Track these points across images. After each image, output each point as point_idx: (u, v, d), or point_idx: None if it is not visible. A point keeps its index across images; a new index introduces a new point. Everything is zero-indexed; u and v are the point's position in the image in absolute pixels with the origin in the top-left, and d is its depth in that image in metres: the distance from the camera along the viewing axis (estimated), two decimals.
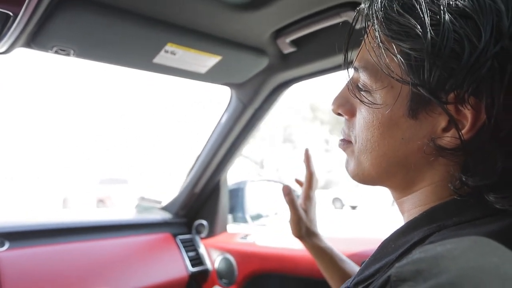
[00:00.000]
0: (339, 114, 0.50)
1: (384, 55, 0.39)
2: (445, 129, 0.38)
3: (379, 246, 0.44)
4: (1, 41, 0.74)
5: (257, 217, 1.46)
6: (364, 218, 9.07)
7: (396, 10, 0.37)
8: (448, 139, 0.38)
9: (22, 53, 0.81)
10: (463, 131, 0.36)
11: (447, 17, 0.34)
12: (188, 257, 1.31)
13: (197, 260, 1.33)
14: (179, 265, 1.26)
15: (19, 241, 1.01)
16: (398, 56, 0.37)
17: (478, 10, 0.33)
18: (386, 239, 0.44)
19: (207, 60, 0.96)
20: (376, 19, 0.39)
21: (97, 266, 1.08)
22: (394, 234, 0.43)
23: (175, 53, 0.90)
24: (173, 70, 0.98)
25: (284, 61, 1.05)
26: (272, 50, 1.00)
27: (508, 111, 0.33)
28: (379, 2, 0.39)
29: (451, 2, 0.34)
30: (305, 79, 1.11)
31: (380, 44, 0.39)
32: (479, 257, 0.29)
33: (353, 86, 0.45)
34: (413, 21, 0.35)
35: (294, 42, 0.97)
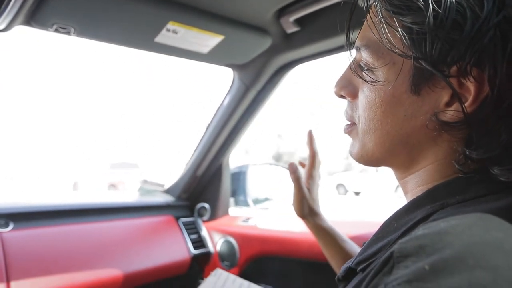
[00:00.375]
0: (341, 97, 0.50)
1: (386, 30, 0.39)
2: (448, 104, 0.38)
3: (381, 225, 0.44)
4: (0, 17, 0.72)
5: (261, 200, 1.45)
6: (367, 204, 9.15)
7: None
8: (451, 113, 0.37)
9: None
10: (466, 104, 0.36)
11: None
12: (191, 239, 1.31)
13: (199, 242, 1.33)
14: (182, 248, 1.27)
15: (23, 222, 1.01)
16: (400, 30, 0.37)
17: None
18: (388, 218, 0.43)
19: (209, 40, 0.94)
20: None
21: (100, 248, 1.08)
22: (397, 213, 0.42)
23: (177, 32, 0.88)
24: (175, 50, 0.96)
25: (288, 41, 1.02)
26: (275, 30, 0.97)
27: (511, 81, 0.33)
28: None
29: None
30: (309, 60, 1.08)
31: (382, 19, 0.39)
32: (483, 232, 0.29)
33: (356, 65, 0.45)
34: None
35: (297, 21, 0.94)
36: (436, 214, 0.37)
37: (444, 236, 0.29)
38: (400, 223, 0.40)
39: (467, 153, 0.37)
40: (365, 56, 0.43)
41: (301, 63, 1.11)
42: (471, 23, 0.33)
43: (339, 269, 0.74)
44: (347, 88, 0.48)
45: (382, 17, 0.39)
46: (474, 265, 0.25)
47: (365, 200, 10.57)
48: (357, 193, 12.98)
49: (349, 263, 0.44)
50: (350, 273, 0.43)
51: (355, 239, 1.00)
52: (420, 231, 0.32)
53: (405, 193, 0.46)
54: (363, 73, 0.44)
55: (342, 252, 0.75)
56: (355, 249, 0.76)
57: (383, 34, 0.39)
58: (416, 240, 0.30)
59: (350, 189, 13.05)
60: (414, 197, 0.42)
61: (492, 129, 0.35)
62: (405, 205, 0.42)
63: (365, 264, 0.40)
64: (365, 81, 0.43)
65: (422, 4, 0.35)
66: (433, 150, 0.41)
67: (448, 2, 0.33)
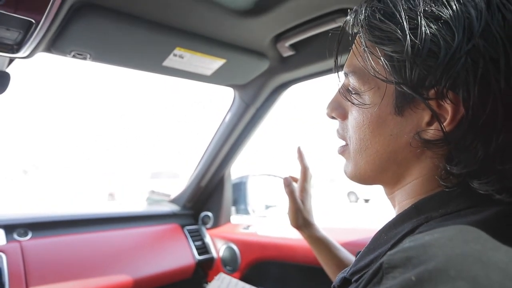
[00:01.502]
0: (332, 118, 0.51)
1: (370, 58, 0.41)
2: (429, 123, 0.39)
3: (372, 238, 0.44)
4: (24, 46, 0.75)
5: (265, 207, 1.46)
6: (375, 211, 9.02)
7: (378, 18, 0.39)
8: (432, 132, 0.38)
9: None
10: (444, 124, 0.37)
11: (423, 21, 0.35)
12: (195, 246, 1.32)
13: (203, 249, 1.34)
14: (187, 254, 1.28)
15: (41, 231, 1.03)
16: (382, 58, 0.39)
17: (451, 14, 0.35)
18: (379, 231, 0.44)
19: (213, 63, 0.97)
20: (362, 27, 0.41)
21: (112, 255, 1.09)
22: (386, 226, 0.43)
23: (183, 57, 0.91)
24: (181, 72, 0.99)
25: (284, 64, 1.06)
26: (273, 54, 1.01)
27: (483, 102, 0.34)
28: (363, 12, 0.41)
29: (426, 9, 0.36)
30: (303, 81, 1.11)
31: (366, 48, 0.41)
32: (463, 244, 0.30)
33: (344, 89, 0.47)
34: (393, 26, 0.37)
35: (293, 46, 0.98)
36: (421, 227, 0.37)
37: (428, 248, 0.30)
38: (389, 236, 0.41)
39: (448, 168, 0.38)
40: (352, 81, 0.45)
41: (296, 83, 1.14)
42: (445, 51, 0.34)
43: (334, 275, 0.76)
44: (337, 110, 0.50)
45: (366, 47, 0.41)
46: (456, 277, 0.26)
47: (373, 207, 10.41)
48: (366, 201, 12.74)
49: (344, 273, 0.45)
50: (346, 283, 0.44)
51: (347, 245, 1.02)
52: (407, 243, 0.33)
53: (394, 206, 0.47)
54: (352, 96, 0.45)
55: (336, 259, 0.76)
56: (348, 256, 0.77)
57: (367, 61, 0.41)
58: (403, 252, 0.31)
59: (360, 196, 12.79)
60: (401, 210, 0.42)
61: (470, 146, 0.36)
62: (393, 219, 0.43)
63: (358, 275, 0.40)
64: (353, 104, 0.45)
65: (400, 35, 0.36)
66: (418, 167, 0.42)
67: (424, 33, 0.35)
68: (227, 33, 0.88)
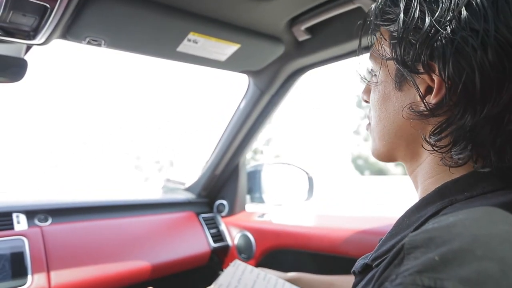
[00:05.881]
0: (365, 101, 0.54)
1: (377, 38, 0.46)
2: (423, 97, 0.40)
3: (395, 223, 0.44)
4: (40, 32, 0.75)
5: (280, 196, 1.45)
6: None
7: (388, 3, 0.42)
8: (422, 105, 0.40)
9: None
10: (431, 96, 0.39)
11: (415, 2, 0.38)
12: (210, 233, 1.33)
13: (218, 236, 1.35)
14: (202, 241, 1.29)
15: (61, 217, 1.05)
16: (387, 39, 0.43)
17: None
18: (402, 216, 0.44)
19: (227, 48, 0.96)
20: (375, 12, 0.45)
21: (129, 241, 1.11)
22: (409, 211, 0.43)
23: (197, 42, 0.90)
24: (195, 58, 0.98)
25: (299, 48, 1.03)
26: (288, 38, 0.99)
27: (459, 72, 0.35)
28: (379, 0, 0.45)
29: None
30: (320, 66, 1.09)
31: (373, 29, 0.46)
32: (490, 224, 0.29)
33: (367, 72, 0.51)
34: (394, 8, 0.41)
35: (308, 30, 0.95)
36: (445, 209, 0.37)
37: (452, 228, 0.29)
38: (411, 220, 0.40)
39: (427, 139, 0.40)
40: (370, 62, 0.49)
41: (312, 68, 1.12)
42: (427, 25, 0.36)
43: None
44: (366, 94, 0.53)
45: (377, 29, 0.45)
46: (482, 256, 0.25)
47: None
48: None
49: (365, 259, 0.45)
50: (366, 268, 0.44)
51: (372, 234, 1.01)
52: (430, 225, 0.32)
53: (416, 188, 0.47)
54: (371, 79, 0.48)
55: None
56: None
57: (377, 42, 0.46)
58: (426, 233, 0.30)
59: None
60: (424, 193, 0.42)
61: (456, 118, 0.37)
62: (416, 203, 0.43)
63: (380, 260, 0.40)
64: (368, 84, 0.49)
65: (396, 15, 0.40)
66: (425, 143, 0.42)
67: (413, 11, 0.38)
68: (241, 16, 0.86)
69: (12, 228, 0.93)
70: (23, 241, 0.91)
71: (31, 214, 1.00)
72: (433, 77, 0.38)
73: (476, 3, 0.35)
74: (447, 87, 0.37)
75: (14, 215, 0.97)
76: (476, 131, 0.36)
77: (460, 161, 0.38)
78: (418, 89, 0.40)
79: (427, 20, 0.37)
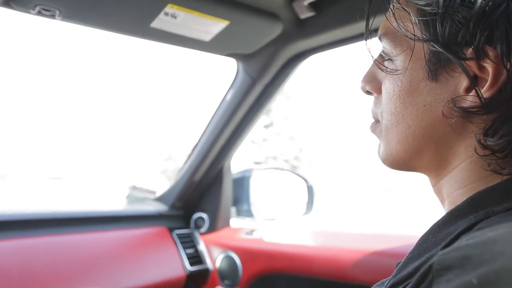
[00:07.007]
0: (367, 93, 0.53)
1: (399, 15, 0.43)
2: (468, 89, 0.39)
3: (417, 242, 0.44)
4: None
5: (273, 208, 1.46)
6: None
7: None
8: (470, 99, 0.39)
9: None
10: (484, 88, 0.37)
11: None
12: (186, 254, 1.32)
13: (196, 258, 1.34)
14: (176, 264, 1.27)
15: None
16: (413, 15, 0.41)
17: None
18: (425, 232, 0.44)
19: (212, 26, 0.95)
20: None
21: (83, 263, 1.09)
22: (434, 227, 0.43)
23: (176, 16, 0.89)
24: (173, 37, 0.97)
25: (301, 28, 1.04)
26: (287, 15, 0.99)
27: None
28: None
29: None
30: (325, 50, 1.09)
31: (395, 4, 0.43)
32: None
33: (378, 57, 0.49)
34: None
35: (312, 5, 0.96)
36: (480, 223, 0.37)
37: (492, 245, 0.29)
38: (438, 237, 0.41)
39: (484, 141, 0.38)
40: (384, 45, 0.47)
41: (315, 53, 1.12)
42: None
43: None
44: (371, 83, 0.52)
45: (398, 3, 0.43)
46: None
47: None
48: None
49: (382, 286, 0.45)
50: None
51: (388, 256, 1.01)
52: (463, 241, 0.32)
53: (442, 202, 0.47)
54: (384, 63, 0.47)
55: None
56: None
57: (399, 20, 0.43)
58: (460, 250, 0.30)
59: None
60: (453, 205, 0.42)
61: None
62: (443, 216, 0.43)
63: (401, 287, 0.40)
64: (385, 71, 0.47)
65: None
66: (463, 146, 0.42)
67: None
68: None
69: None
70: None
71: None
72: (484, 64, 0.37)
73: None
74: (508, 75, 0.36)
75: None
76: None
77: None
78: (472, 78, 0.38)
79: None
